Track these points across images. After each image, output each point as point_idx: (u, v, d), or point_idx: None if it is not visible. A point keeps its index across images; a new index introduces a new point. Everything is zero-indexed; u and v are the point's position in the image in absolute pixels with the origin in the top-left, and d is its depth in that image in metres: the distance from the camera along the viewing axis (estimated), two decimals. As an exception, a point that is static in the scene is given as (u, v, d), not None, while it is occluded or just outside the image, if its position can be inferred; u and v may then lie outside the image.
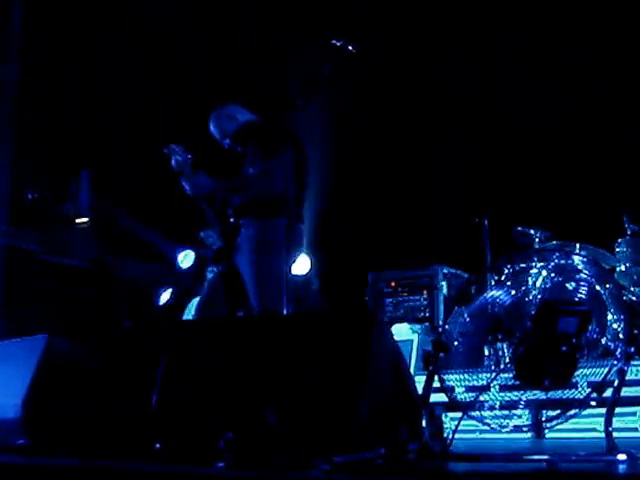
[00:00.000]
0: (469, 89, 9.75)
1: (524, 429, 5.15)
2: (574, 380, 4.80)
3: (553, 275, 6.92)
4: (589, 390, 4.69)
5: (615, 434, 4.47)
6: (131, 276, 10.83)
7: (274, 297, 6.38)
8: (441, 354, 4.98)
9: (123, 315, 10.38)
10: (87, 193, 10.68)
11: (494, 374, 5.33)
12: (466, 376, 6.52)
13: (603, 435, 4.47)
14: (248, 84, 9.55)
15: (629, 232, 7.99)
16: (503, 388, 5.40)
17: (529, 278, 7.34)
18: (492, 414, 5.27)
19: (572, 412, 4.80)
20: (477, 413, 5.27)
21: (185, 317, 9.90)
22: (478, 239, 8.57)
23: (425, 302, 9.10)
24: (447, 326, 5.44)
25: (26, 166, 9.64)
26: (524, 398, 4.97)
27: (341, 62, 6.42)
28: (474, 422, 5.31)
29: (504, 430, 4.99)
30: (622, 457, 4.15)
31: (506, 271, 7.25)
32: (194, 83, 9.90)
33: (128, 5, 10.37)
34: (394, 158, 10.44)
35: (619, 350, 4.60)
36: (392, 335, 5.14)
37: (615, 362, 4.56)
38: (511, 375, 5.00)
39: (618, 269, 7.90)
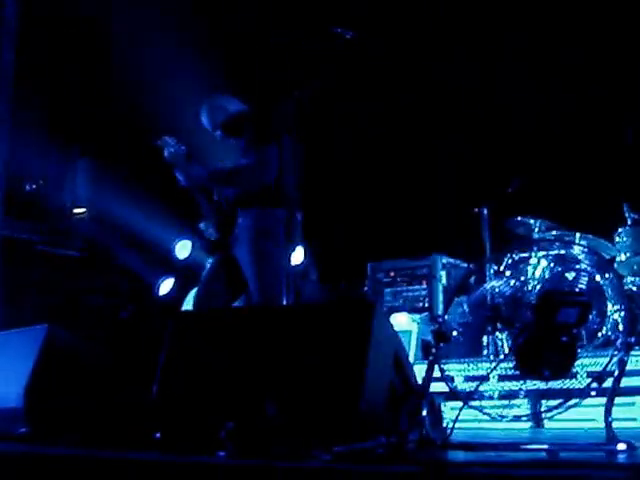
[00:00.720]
0: (469, 79, 9.77)
1: (523, 419, 5.20)
2: (574, 370, 4.84)
3: (553, 265, 6.98)
4: (589, 380, 4.73)
5: (615, 424, 4.52)
6: (129, 266, 10.84)
7: (273, 287, 6.41)
8: (441, 344, 5.00)
9: (122, 305, 10.40)
10: (84, 183, 10.69)
11: (493, 364, 5.37)
12: (465, 366, 6.58)
13: (603, 425, 4.51)
14: (244, 74, 9.57)
15: (629, 221, 8.02)
16: (502, 378, 5.44)
17: (528, 268, 7.41)
18: (492, 404, 5.31)
19: (572, 402, 4.84)
20: (477, 403, 5.32)
21: (185, 306, 9.94)
22: (477, 229, 8.61)
23: (424, 292, 9.15)
24: (447, 316, 5.47)
25: (23, 157, 9.65)
26: (524, 388, 5.01)
27: (339, 49, 6.45)
28: (474, 412, 5.36)
29: (504, 420, 5.04)
30: (622, 447, 4.19)
31: (505, 261, 7.31)
32: (192, 70, 9.88)
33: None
34: (394, 148, 10.46)
35: (619, 340, 4.64)
36: (391, 325, 5.17)
37: (615, 352, 4.60)
38: (511, 365, 5.04)
39: (618, 259, 7.93)
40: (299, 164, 6.68)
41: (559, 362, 4.60)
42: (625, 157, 8.52)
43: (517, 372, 4.90)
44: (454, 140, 9.87)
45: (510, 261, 7.32)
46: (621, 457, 4.08)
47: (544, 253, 7.24)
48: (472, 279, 5.99)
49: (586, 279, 4.91)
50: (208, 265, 9.82)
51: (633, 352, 5.79)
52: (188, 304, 9.85)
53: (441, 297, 9.07)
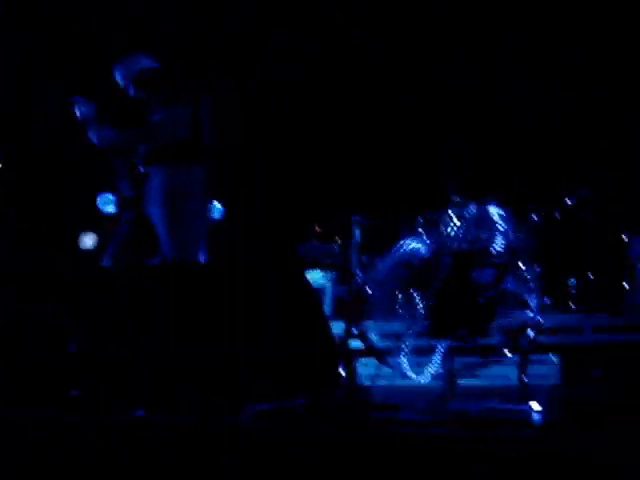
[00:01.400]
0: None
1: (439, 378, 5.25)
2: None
3: (465, 223, 7.03)
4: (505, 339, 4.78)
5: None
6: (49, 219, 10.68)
7: (187, 246, 6.36)
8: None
9: (43, 258, 10.25)
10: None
11: (411, 322, 5.42)
12: (380, 324, 6.61)
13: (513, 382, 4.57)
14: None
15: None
16: (419, 335, 5.49)
17: (442, 225, 7.45)
18: (409, 359, 5.36)
19: (489, 359, 4.89)
20: (392, 360, 5.36)
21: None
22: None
23: (337, 249, 9.14)
24: (361, 274, 5.49)
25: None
26: (440, 346, 5.06)
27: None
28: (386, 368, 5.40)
29: (422, 380, 5.08)
30: (535, 406, 4.24)
31: (420, 220, 7.34)
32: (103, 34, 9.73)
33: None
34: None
35: (535, 302, 4.70)
36: (309, 281, 5.17)
37: (530, 313, 4.66)
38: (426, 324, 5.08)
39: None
40: (215, 120, 6.61)
41: (475, 323, 4.64)
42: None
43: (432, 333, 4.93)
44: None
45: (422, 220, 7.35)
46: (535, 416, 4.13)
47: (458, 210, 7.28)
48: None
49: (503, 240, 4.95)
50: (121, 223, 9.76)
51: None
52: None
53: (355, 255, 9.07)
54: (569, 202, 7.92)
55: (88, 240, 10.45)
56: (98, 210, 9.99)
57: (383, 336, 6.45)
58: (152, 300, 4.76)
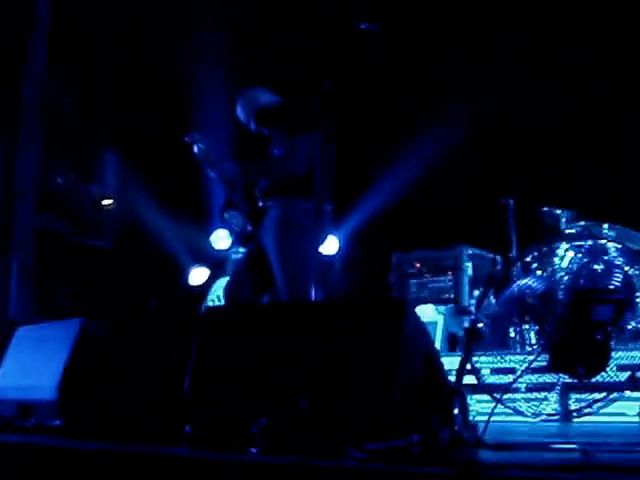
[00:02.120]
0: (496, 62, 9.65)
1: (556, 417, 5.11)
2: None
3: (580, 256, 6.86)
4: (627, 375, 4.63)
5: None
6: (158, 255, 10.80)
7: (301, 279, 6.34)
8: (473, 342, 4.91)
9: (151, 295, 10.36)
10: (112, 175, 10.66)
11: (524, 358, 5.28)
12: (493, 359, 6.49)
13: (631, 420, 4.41)
14: (277, 67, 9.50)
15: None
16: (533, 371, 5.35)
17: (555, 259, 7.29)
18: (524, 397, 5.23)
19: (609, 397, 4.74)
20: (508, 397, 5.24)
21: (211, 296, 9.89)
22: (503, 219, 8.49)
23: (450, 283, 9.05)
24: (473, 309, 5.39)
25: (54, 150, 9.62)
26: (559, 382, 4.92)
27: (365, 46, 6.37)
28: (500, 406, 5.27)
29: (538, 418, 4.95)
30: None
31: (531, 252, 7.19)
32: (223, 66, 9.82)
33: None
34: (417, 139, 10.36)
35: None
36: (421, 320, 5.07)
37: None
38: (540, 359, 4.95)
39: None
40: (331, 157, 6.61)
41: (594, 360, 4.50)
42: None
43: (551, 369, 4.79)
44: (479, 126, 9.76)
45: (536, 252, 7.20)
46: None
47: (571, 244, 7.12)
48: (498, 270, 5.91)
49: (620, 275, 4.81)
50: (234, 255, 9.82)
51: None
52: (214, 293, 9.81)
53: (467, 288, 8.96)
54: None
55: (197, 275, 10.53)
56: (210, 245, 10.10)
57: (496, 372, 6.32)
58: (264, 338, 4.71)
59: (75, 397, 5.44)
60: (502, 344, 7.56)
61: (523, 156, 9.29)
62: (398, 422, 4.20)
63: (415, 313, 4.80)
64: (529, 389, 5.63)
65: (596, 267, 5.49)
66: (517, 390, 5.77)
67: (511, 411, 5.40)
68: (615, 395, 5.20)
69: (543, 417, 5.17)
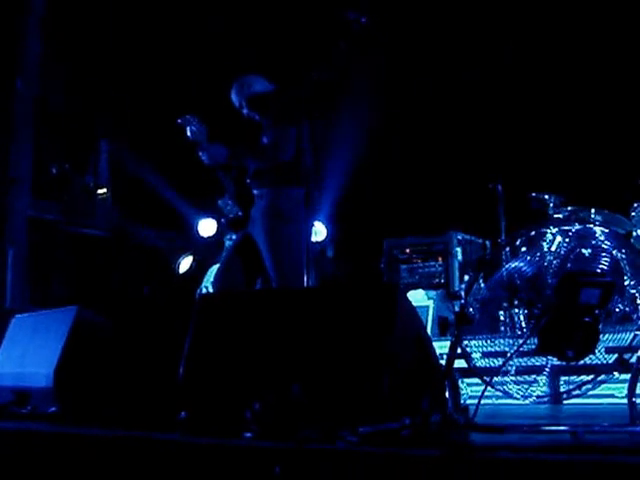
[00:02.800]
0: (483, 53, 9.64)
1: (545, 399, 5.11)
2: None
3: (568, 240, 6.86)
4: (614, 357, 4.64)
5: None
6: (150, 244, 10.80)
7: (292, 268, 6.34)
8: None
9: (143, 283, 10.35)
10: (106, 164, 10.64)
11: (514, 341, 5.28)
12: (483, 342, 6.48)
13: (620, 401, 4.42)
14: (271, 55, 9.48)
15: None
16: (523, 354, 5.35)
17: (543, 243, 7.29)
18: (514, 379, 5.23)
19: (596, 379, 4.75)
20: (499, 379, 5.24)
21: (204, 284, 9.89)
22: (492, 205, 8.49)
23: (440, 268, 9.07)
24: (463, 293, 5.39)
25: (47, 140, 9.60)
26: (548, 365, 4.93)
27: (354, 36, 6.34)
28: (491, 389, 5.27)
29: (527, 400, 4.95)
30: (646, 427, 4.09)
31: (520, 237, 7.19)
32: (214, 53, 9.80)
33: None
34: (410, 126, 10.36)
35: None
36: (412, 305, 5.07)
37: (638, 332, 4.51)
38: (531, 343, 4.95)
39: (634, 234, 7.79)
40: (318, 144, 6.60)
41: (583, 343, 4.50)
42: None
43: (539, 352, 4.79)
44: (467, 113, 9.75)
45: (525, 237, 7.20)
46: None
47: (558, 228, 7.12)
48: (487, 255, 5.91)
49: (607, 259, 4.80)
50: (228, 243, 9.81)
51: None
52: (208, 281, 9.80)
53: (457, 273, 8.98)
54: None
55: (186, 264, 10.53)
56: (197, 234, 10.11)
57: (487, 355, 6.32)
58: (257, 324, 4.71)
59: (71, 384, 5.45)
60: (492, 328, 7.57)
61: (511, 142, 9.28)
62: (390, 405, 4.20)
63: (406, 298, 4.81)
64: (518, 372, 5.63)
65: (584, 251, 5.47)
66: (507, 373, 5.77)
67: (501, 394, 5.40)
68: (604, 377, 5.21)
69: (533, 399, 5.18)
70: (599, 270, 4.72)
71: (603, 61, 9.05)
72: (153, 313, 5.63)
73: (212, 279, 7.84)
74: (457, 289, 8.64)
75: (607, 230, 5.20)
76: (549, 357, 4.93)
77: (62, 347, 5.56)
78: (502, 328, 7.54)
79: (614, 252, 4.96)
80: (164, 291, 10.06)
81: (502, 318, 7.52)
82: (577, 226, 6.25)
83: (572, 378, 5.35)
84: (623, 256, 5.24)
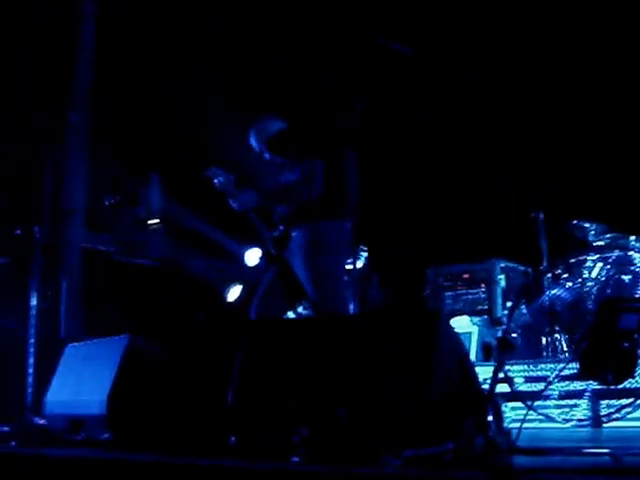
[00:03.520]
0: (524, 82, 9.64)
1: (586, 422, 5.11)
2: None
3: (609, 267, 6.86)
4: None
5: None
6: (201, 274, 10.86)
7: (335, 297, 6.37)
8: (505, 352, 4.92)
9: (196, 312, 10.42)
10: (157, 196, 10.73)
11: (555, 367, 5.29)
12: (525, 367, 6.49)
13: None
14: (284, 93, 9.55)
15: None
16: (563, 379, 5.35)
17: (584, 270, 7.29)
18: (555, 403, 5.23)
19: (636, 402, 4.74)
20: (540, 403, 5.24)
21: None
22: (534, 233, 8.47)
23: (483, 295, 9.07)
24: (505, 319, 5.41)
25: (101, 174, 9.72)
26: (588, 389, 4.93)
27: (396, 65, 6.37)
28: (532, 412, 5.27)
29: (569, 424, 4.95)
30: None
31: (561, 264, 7.20)
32: (252, 91, 9.88)
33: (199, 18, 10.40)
34: (450, 153, 10.37)
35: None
36: (455, 331, 5.09)
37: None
38: (571, 366, 4.96)
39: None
40: (353, 174, 6.62)
41: (621, 367, 4.50)
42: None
43: (580, 377, 4.80)
44: (509, 145, 9.75)
45: (566, 264, 7.21)
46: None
47: (599, 255, 7.13)
48: (530, 281, 5.91)
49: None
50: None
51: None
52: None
53: (500, 300, 8.97)
54: None
55: (234, 293, 10.59)
56: (244, 263, 10.16)
57: (529, 380, 6.32)
58: (303, 350, 4.76)
59: (124, 411, 5.50)
60: (535, 353, 7.57)
61: (553, 171, 9.27)
62: (433, 429, 4.22)
63: (449, 324, 4.83)
64: (560, 396, 5.63)
65: (624, 277, 5.48)
66: (549, 397, 5.77)
67: (543, 417, 5.41)
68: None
69: (574, 423, 5.18)
70: (638, 295, 4.73)
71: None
72: (203, 340, 5.66)
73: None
74: (500, 315, 8.64)
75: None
76: (589, 381, 4.93)
77: (115, 374, 5.61)
78: (544, 353, 7.55)
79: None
80: (214, 319, 10.11)
81: (544, 343, 7.53)
82: (617, 253, 6.26)
83: (612, 402, 5.35)
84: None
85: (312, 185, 6.36)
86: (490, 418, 4.52)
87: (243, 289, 10.37)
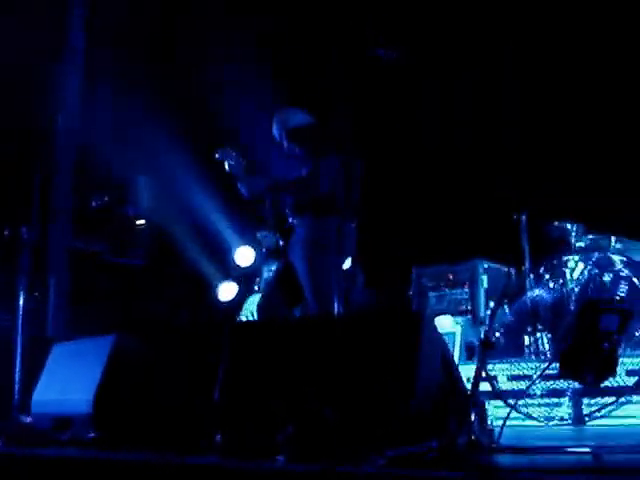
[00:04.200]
0: (507, 83, 9.64)
1: (568, 421, 5.12)
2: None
3: (590, 268, 6.87)
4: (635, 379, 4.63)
5: None
6: (189, 272, 10.85)
7: (327, 294, 6.37)
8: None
9: (181, 310, 10.41)
10: (145, 197, 10.71)
11: (537, 366, 5.29)
12: (508, 366, 6.50)
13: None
14: (308, 88, 9.54)
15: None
16: (546, 378, 5.36)
17: (566, 270, 7.30)
18: (534, 402, 5.23)
19: (619, 401, 4.75)
20: (521, 402, 5.24)
21: (244, 312, 9.93)
22: (517, 234, 8.47)
23: (466, 295, 9.07)
24: (488, 319, 5.42)
25: (89, 175, 9.70)
26: (570, 388, 4.93)
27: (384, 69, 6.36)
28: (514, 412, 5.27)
29: (550, 423, 4.96)
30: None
31: (544, 264, 7.21)
32: (254, 83, 9.86)
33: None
34: (434, 155, 10.36)
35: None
36: (438, 331, 5.09)
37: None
38: (555, 367, 4.96)
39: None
40: (356, 177, 6.62)
41: (601, 368, 4.50)
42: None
43: (561, 376, 4.80)
44: (493, 147, 9.75)
45: (548, 265, 7.22)
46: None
47: (580, 256, 7.14)
48: (512, 282, 5.92)
49: (626, 286, 4.81)
50: (267, 273, 9.85)
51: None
52: (247, 310, 9.85)
53: (482, 300, 8.97)
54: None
55: (225, 289, 10.56)
56: (234, 263, 10.15)
57: (512, 379, 6.33)
58: (289, 350, 4.75)
59: (110, 410, 5.48)
60: (517, 352, 7.58)
61: (535, 173, 9.27)
62: (417, 428, 4.21)
63: (432, 324, 4.82)
64: (542, 395, 5.63)
65: (605, 278, 5.49)
66: (531, 396, 5.77)
67: (525, 416, 5.41)
68: (624, 399, 5.20)
69: (556, 421, 5.18)
70: (618, 297, 4.73)
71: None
72: (190, 339, 5.64)
73: (254, 307, 7.90)
74: (483, 315, 8.66)
75: (625, 258, 5.21)
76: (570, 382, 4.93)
77: (101, 373, 5.59)
78: (527, 352, 7.56)
79: (630, 275, 4.97)
80: (202, 318, 10.10)
81: (526, 342, 7.54)
82: (598, 254, 6.27)
83: (594, 401, 5.35)
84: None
85: (322, 181, 6.37)
86: (473, 417, 4.51)
87: (239, 290, 10.36)
